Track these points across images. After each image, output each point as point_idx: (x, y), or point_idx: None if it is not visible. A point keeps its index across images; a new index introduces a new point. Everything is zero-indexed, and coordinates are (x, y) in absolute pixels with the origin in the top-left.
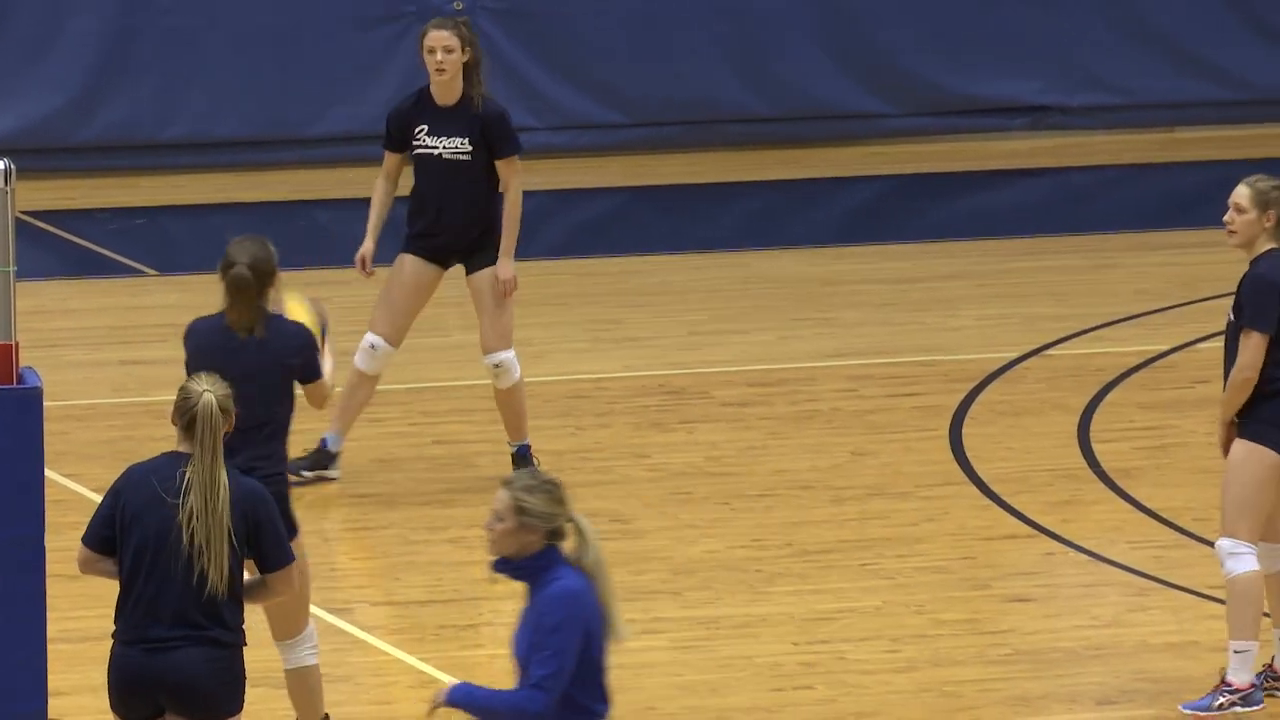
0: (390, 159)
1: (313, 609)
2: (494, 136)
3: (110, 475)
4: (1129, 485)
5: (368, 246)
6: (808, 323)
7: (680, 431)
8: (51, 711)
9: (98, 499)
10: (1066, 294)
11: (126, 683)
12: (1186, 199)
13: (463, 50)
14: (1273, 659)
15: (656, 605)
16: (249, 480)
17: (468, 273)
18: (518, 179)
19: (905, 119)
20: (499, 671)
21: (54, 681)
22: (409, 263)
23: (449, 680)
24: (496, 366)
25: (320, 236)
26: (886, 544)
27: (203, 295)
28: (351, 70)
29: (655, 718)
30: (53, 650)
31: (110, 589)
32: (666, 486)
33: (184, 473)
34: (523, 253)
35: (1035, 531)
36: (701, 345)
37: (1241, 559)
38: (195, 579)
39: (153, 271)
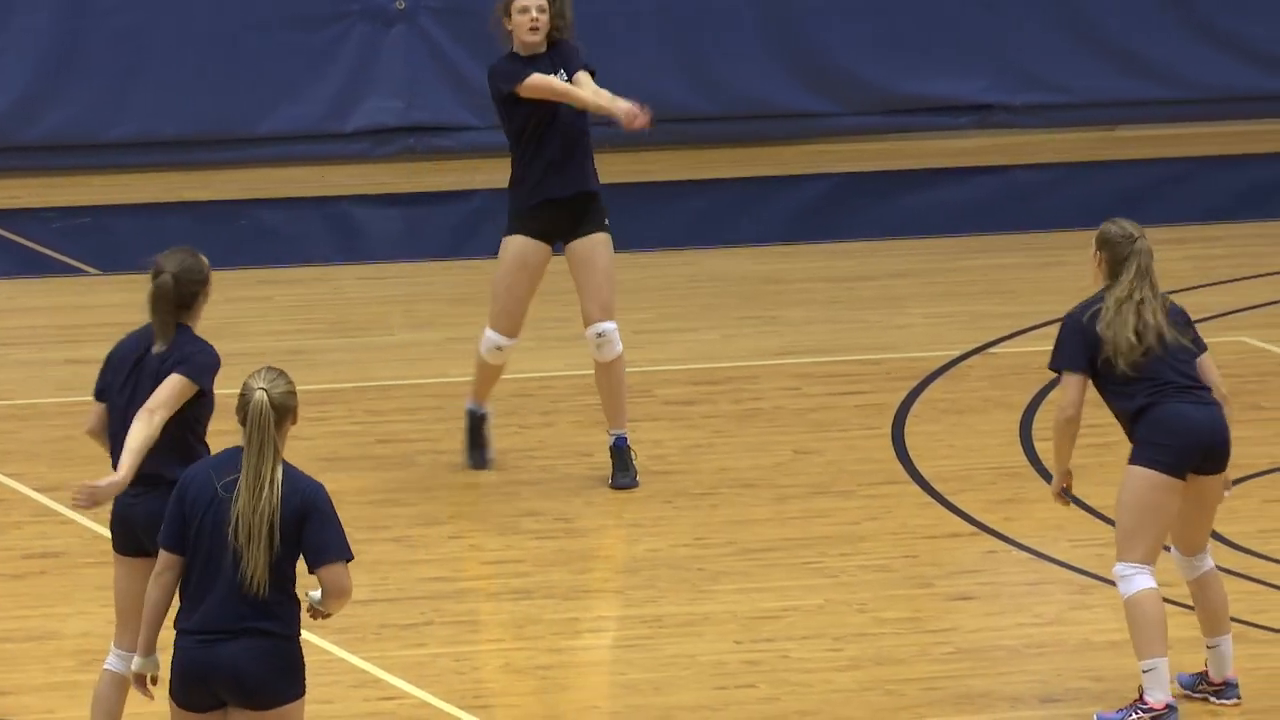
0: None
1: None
2: (576, 66)
3: (54, 475)
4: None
5: (623, 101)
6: (753, 321)
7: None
8: None
9: (41, 499)
10: (1012, 292)
11: (186, 674)
12: (1129, 196)
13: (551, 10)
14: (1205, 666)
15: (600, 604)
16: (306, 479)
17: (570, 240)
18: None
19: (851, 118)
20: (442, 670)
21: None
22: (519, 244)
23: (390, 679)
24: (600, 335)
25: (267, 236)
26: (829, 542)
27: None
28: (297, 69)
29: (598, 716)
30: None
31: (52, 588)
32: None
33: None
34: (469, 251)
35: (978, 530)
36: (646, 344)
37: (1132, 580)
38: (240, 574)
39: (98, 271)
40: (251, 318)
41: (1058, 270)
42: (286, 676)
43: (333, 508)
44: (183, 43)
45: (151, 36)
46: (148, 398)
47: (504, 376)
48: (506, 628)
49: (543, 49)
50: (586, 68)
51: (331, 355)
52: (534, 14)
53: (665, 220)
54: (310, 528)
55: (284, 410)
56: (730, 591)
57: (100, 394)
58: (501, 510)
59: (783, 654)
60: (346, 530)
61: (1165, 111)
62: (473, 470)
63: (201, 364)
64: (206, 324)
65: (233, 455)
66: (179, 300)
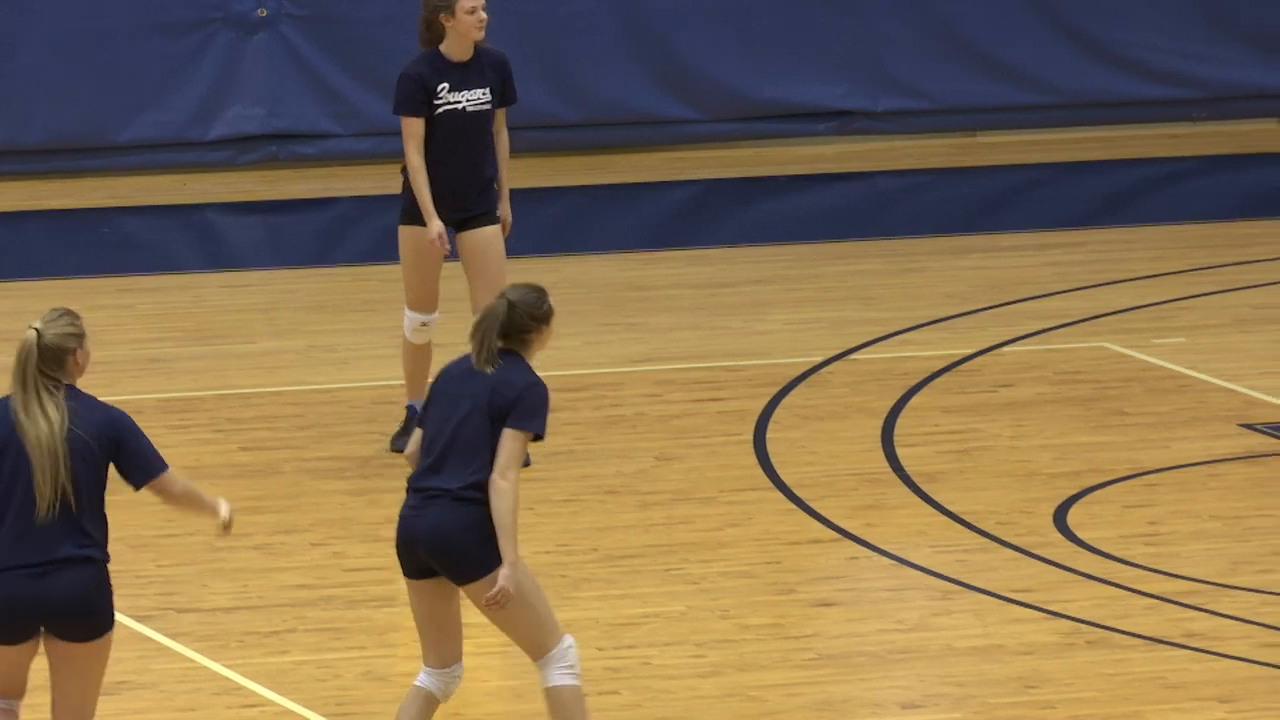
0: (418, 124)
1: (117, 616)
2: (507, 82)
3: None
4: (933, 489)
5: (439, 224)
6: (615, 328)
7: None
8: None
9: None
10: (874, 298)
11: (6, 608)
12: (991, 203)
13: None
14: None
15: (462, 610)
16: (109, 407)
17: (465, 229)
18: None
19: (711, 124)
20: (305, 678)
21: None
22: (423, 232)
23: (253, 687)
24: None
25: (130, 243)
26: (692, 549)
27: (14, 302)
28: (159, 77)
29: None
30: None
31: None
32: None
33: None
34: (330, 259)
35: (840, 536)
36: None
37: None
38: (42, 506)
39: None
40: (112, 326)
41: (918, 276)
42: (108, 606)
43: (139, 427)
44: (45, 50)
45: (13, 44)
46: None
47: (364, 384)
48: (369, 635)
49: (471, 54)
50: (513, 94)
51: (192, 363)
52: (482, 14)
53: (525, 227)
54: (126, 452)
55: (58, 350)
56: (593, 598)
57: None
58: (364, 518)
59: (645, 660)
60: (210, 538)
61: (1027, 117)
62: (393, 452)
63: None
64: None
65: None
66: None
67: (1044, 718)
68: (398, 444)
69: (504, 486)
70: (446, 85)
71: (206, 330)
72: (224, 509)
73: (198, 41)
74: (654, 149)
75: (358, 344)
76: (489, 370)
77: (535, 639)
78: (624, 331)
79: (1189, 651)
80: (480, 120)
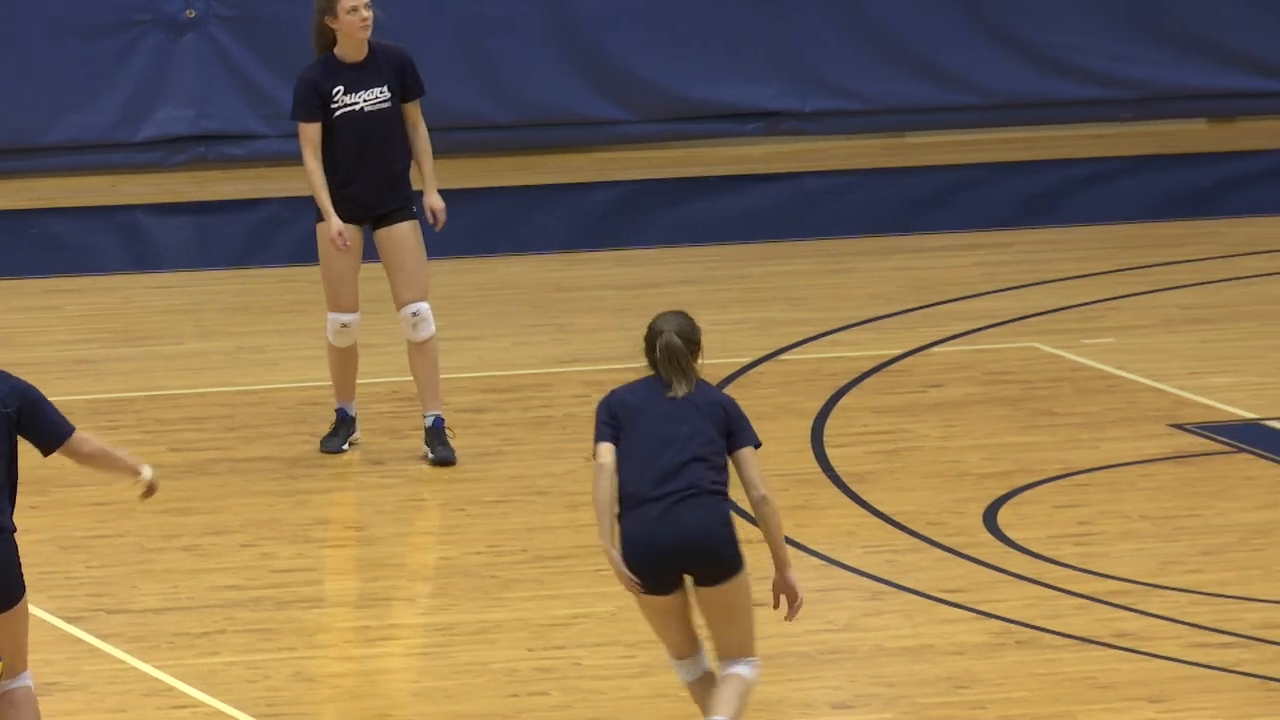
0: (314, 130)
1: (46, 617)
2: (409, 78)
3: None
4: (862, 489)
5: (338, 222)
6: (544, 329)
7: (415, 438)
8: None
9: None
10: (802, 299)
11: None
12: (919, 203)
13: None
14: None
15: (391, 612)
16: (6, 377)
17: (381, 226)
18: (422, 117)
19: (639, 125)
20: (235, 679)
21: None
22: (325, 232)
23: (184, 688)
24: (415, 314)
25: (54, 245)
26: None
27: None
28: (88, 77)
29: None
30: None
31: None
32: (401, 493)
33: None
34: (258, 260)
35: None
36: None
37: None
38: None
39: None
40: (39, 327)
41: (847, 277)
42: (20, 574)
43: (42, 394)
44: None
45: None
46: None
47: (292, 384)
48: (299, 636)
49: (365, 54)
50: (419, 88)
51: (120, 364)
52: (364, 12)
53: (453, 228)
54: (33, 419)
55: None
56: (523, 599)
57: None
58: (293, 518)
59: (575, 661)
60: (140, 539)
61: (955, 118)
62: (323, 453)
63: None
64: None
65: None
66: None
67: (974, 718)
68: (327, 445)
69: (773, 500)
70: (341, 88)
71: (134, 331)
72: (146, 470)
73: (126, 42)
74: (581, 150)
75: (286, 345)
76: (690, 392)
77: (748, 640)
78: (553, 332)
79: (1119, 651)
80: (382, 119)
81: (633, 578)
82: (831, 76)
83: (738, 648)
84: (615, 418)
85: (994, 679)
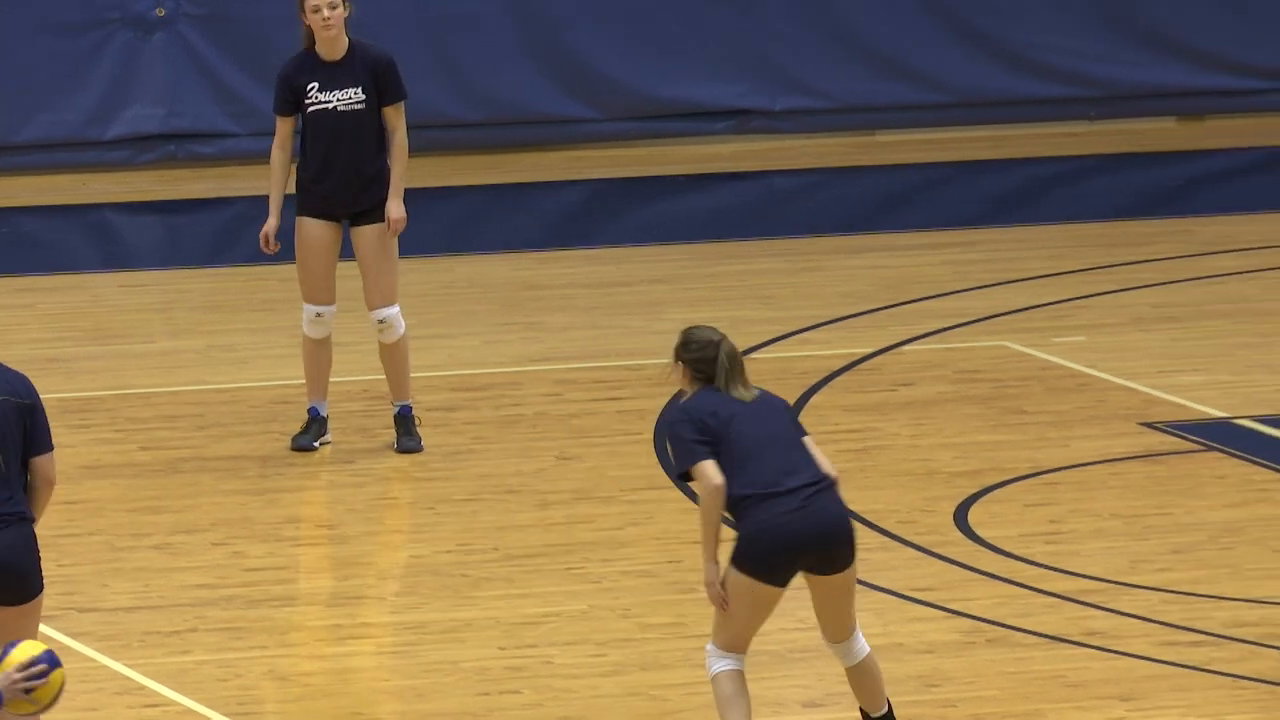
0: (284, 124)
1: None
2: (385, 82)
3: None
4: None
5: (272, 224)
6: (513, 327)
7: (385, 436)
8: None
9: None
10: (772, 297)
11: None
12: (889, 202)
13: (344, 4)
14: None
15: (362, 610)
16: (15, 372)
17: (355, 225)
18: (404, 123)
19: (608, 123)
20: (206, 677)
21: None
22: (310, 226)
23: (155, 686)
24: (381, 322)
25: (27, 244)
26: (592, 548)
27: None
28: (57, 76)
29: None
30: None
31: None
32: (372, 491)
33: None
34: (229, 259)
35: None
36: None
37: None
38: None
39: None
40: (11, 326)
41: (816, 275)
42: (39, 566)
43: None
44: None
45: None
46: None
47: (264, 383)
48: (270, 634)
49: (341, 53)
50: (397, 92)
51: (91, 363)
52: (325, 12)
53: (423, 227)
54: (34, 419)
55: None
56: (493, 597)
57: None
58: (264, 517)
59: (546, 660)
60: (111, 538)
61: (924, 116)
62: (294, 451)
63: None
64: None
65: None
66: None
67: (945, 716)
68: (298, 443)
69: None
70: (316, 85)
71: (105, 330)
72: None
73: (96, 41)
74: (551, 148)
75: (256, 343)
76: (755, 393)
77: (852, 615)
78: (522, 331)
79: (1089, 650)
80: (355, 119)
81: (722, 593)
82: (800, 75)
83: (849, 622)
84: (707, 429)
85: (965, 677)
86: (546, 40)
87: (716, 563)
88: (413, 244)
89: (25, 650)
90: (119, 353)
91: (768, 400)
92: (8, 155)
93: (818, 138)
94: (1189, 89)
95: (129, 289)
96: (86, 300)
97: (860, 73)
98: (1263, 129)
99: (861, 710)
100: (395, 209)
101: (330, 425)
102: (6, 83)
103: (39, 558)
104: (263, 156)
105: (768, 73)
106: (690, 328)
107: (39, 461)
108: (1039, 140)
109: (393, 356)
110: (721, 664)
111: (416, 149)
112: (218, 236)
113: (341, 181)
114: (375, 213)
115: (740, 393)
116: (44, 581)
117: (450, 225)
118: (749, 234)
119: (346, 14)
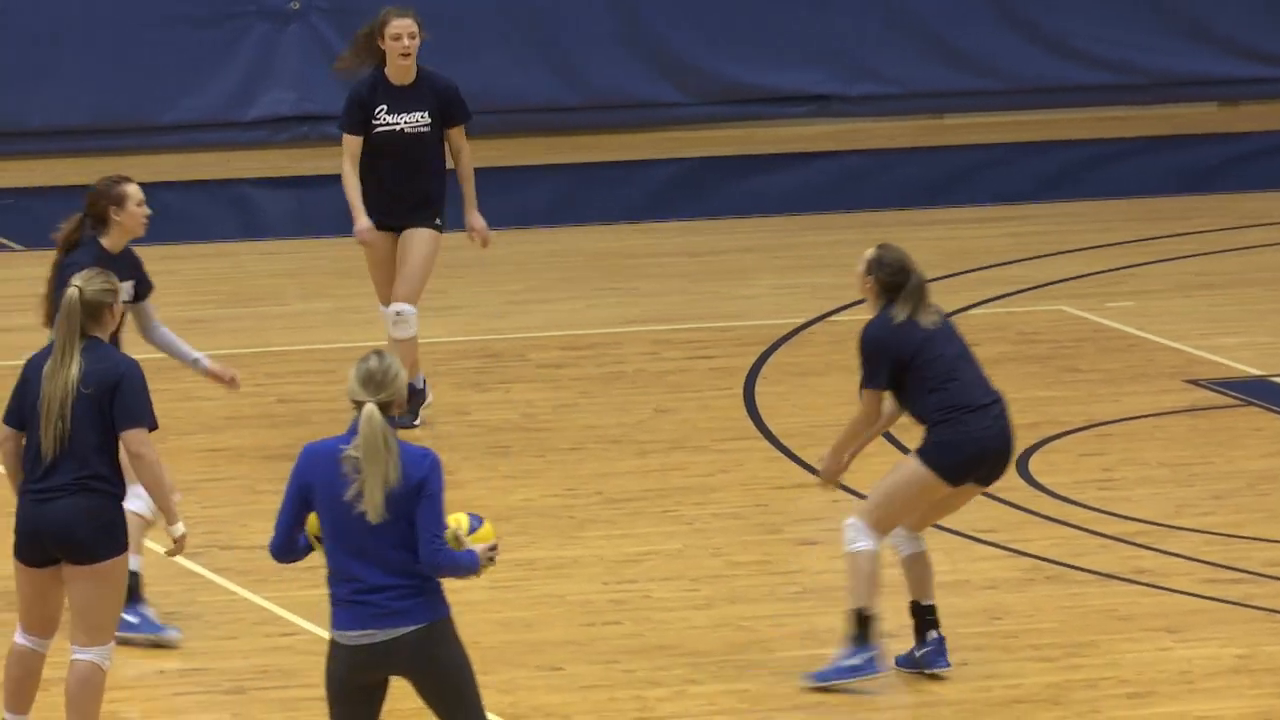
0: (355, 143)
1: (160, 551)
2: (452, 106)
3: None
4: (904, 437)
5: (363, 221)
6: (613, 292)
7: (498, 391)
8: None
9: None
10: (848, 265)
11: (23, 530)
12: (954, 179)
13: (421, 34)
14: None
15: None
16: (123, 356)
17: (401, 229)
18: (467, 143)
19: (698, 107)
20: None
21: None
22: (375, 238)
23: (290, 617)
24: (399, 314)
25: (173, 215)
26: (686, 493)
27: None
28: (201, 63)
29: (476, 651)
30: None
31: None
32: (486, 440)
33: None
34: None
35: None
36: (516, 313)
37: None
38: (52, 441)
39: (21, 247)
40: (156, 290)
41: None
42: (106, 535)
43: (143, 382)
44: (95, 40)
45: (66, 35)
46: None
47: (386, 341)
48: None
49: (411, 78)
50: (462, 115)
51: (231, 324)
52: (406, 41)
53: (529, 201)
54: (119, 397)
55: (95, 305)
56: (596, 537)
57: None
58: None
59: (645, 594)
60: (250, 482)
61: (987, 102)
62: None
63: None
64: None
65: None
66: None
67: (1007, 645)
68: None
69: None
70: (385, 107)
71: (244, 293)
72: (178, 529)
73: (236, 32)
74: (646, 130)
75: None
76: (936, 316)
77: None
78: (622, 295)
79: (1138, 586)
80: (419, 141)
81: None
82: (874, 63)
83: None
84: (896, 363)
85: (1025, 611)
86: (641, 31)
87: (840, 459)
88: (518, 216)
89: (488, 532)
90: (256, 314)
91: (947, 322)
92: (156, 135)
93: (890, 121)
94: (1229, 77)
95: (265, 256)
96: (227, 266)
97: (929, 62)
98: None
99: (914, 602)
100: (478, 219)
101: (430, 390)
102: (154, 69)
103: (100, 526)
104: None
105: (844, 61)
106: (882, 247)
107: (126, 437)
108: (1090, 124)
109: (396, 353)
110: (865, 542)
111: (522, 130)
112: (345, 208)
113: (401, 198)
114: (426, 219)
115: (928, 316)
116: (114, 549)
117: (553, 200)
118: (827, 208)
119: (420, 43)
